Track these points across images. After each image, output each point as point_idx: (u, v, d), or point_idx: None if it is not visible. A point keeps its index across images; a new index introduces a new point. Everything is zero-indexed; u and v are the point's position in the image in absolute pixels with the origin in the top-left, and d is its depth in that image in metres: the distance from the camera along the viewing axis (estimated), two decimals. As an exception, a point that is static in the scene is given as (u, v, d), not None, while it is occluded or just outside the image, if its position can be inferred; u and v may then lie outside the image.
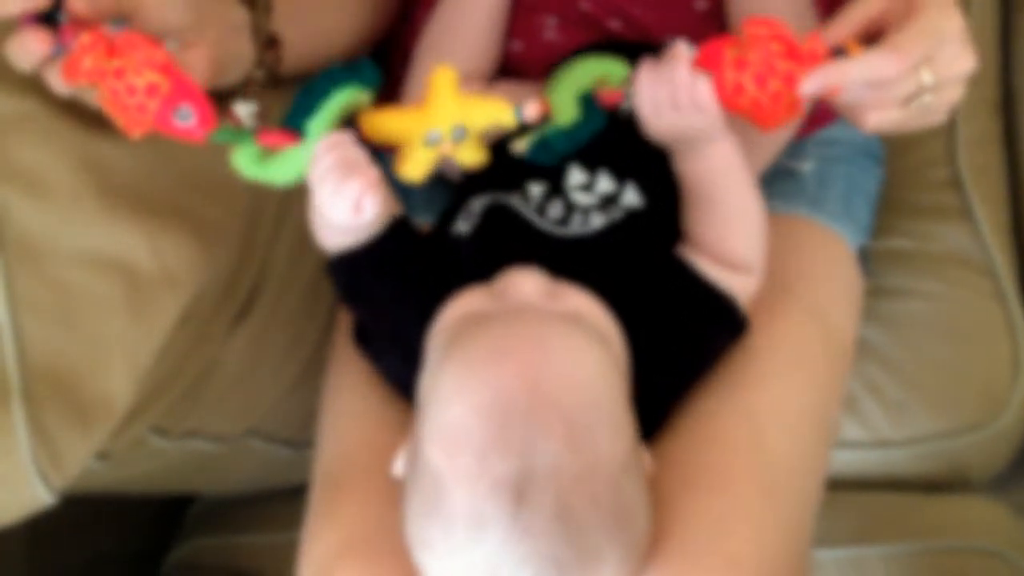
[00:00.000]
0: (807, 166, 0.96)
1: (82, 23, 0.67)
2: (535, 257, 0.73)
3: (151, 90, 0.67)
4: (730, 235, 0.77)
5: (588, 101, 0.75)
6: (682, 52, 0.71)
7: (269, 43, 0.81)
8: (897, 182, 1.13)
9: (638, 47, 0.87)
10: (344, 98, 0.71)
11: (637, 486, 0.67)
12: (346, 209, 0.68)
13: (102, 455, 0.83)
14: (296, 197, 0.95)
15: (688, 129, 0.73)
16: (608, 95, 0.75)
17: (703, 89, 0.71)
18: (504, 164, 0.78)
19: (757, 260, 0.78)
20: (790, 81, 0.70)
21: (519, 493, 0.61)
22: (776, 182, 0.93)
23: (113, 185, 0.74)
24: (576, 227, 0.77)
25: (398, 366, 0.78)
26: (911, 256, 1.12)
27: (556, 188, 0.79)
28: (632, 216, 0.77)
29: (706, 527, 0.70)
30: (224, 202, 0.83)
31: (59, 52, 0.67)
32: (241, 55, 0.80)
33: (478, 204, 0.79)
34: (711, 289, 0.76)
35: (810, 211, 0.93)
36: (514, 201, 0.78)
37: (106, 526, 1.22)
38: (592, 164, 0.79)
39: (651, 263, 0.77)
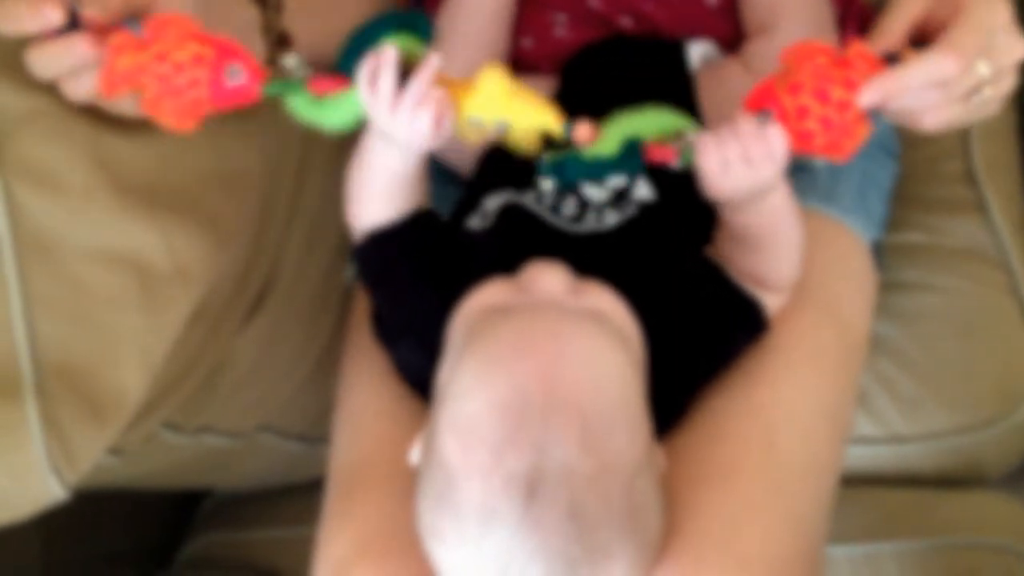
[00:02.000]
0: (820, 160, 0.95)
1: (98, 32, 0.67)
2: (552, 255, 0.72)
3: (197, 59, 0.67)
4: (772, 270, 0.76)
5: (633, 148, 0.72)
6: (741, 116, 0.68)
7: (280, 41, 0.82)
8: (911, 176, 1.12)
9: (649, 44, 0.87)
10: (399, 45, 0.68)
11: (650, 486, 0.66)
12: (428, 124, 0.67)
13: (115, 450, 0.83)
14: (307, 192, 0.96)
15: (757, 183, 0.70)
16: (658, 151, 0.71)
17: (773, 135, 0.67)
18: (515, 158, 0.78)
19: (792, 281, 0.78)
20: (852, 87, 0.67)
21: (531, 490, 0.61)
22: (789, 176, 0.93)
23: (126, 181, 0.74)
24: (591, 223, 0.76)
25: (414, 354, 0.78)
26: (925, 250, 1.12)
27: (568, 183, 0.78)
28: (646, 210, 0.77)
29: (717, 524, 0.70)
30: (236, 199, 0.83)
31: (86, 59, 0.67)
32: (253, 53, 0.80)
33: (492, 204, 0.79)
34: (741, 293, 0.76)
35: (823, 205, 0.92)
36: (528, 200, 0.78)
37: (119, 521, 1.22)
38: None
39: (679, 262, 0.76)
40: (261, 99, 0.69)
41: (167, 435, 0.91)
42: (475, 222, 0.79)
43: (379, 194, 0.75)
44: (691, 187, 0.80)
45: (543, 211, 0.77)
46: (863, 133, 0.68)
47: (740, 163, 0.68)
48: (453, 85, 0.69)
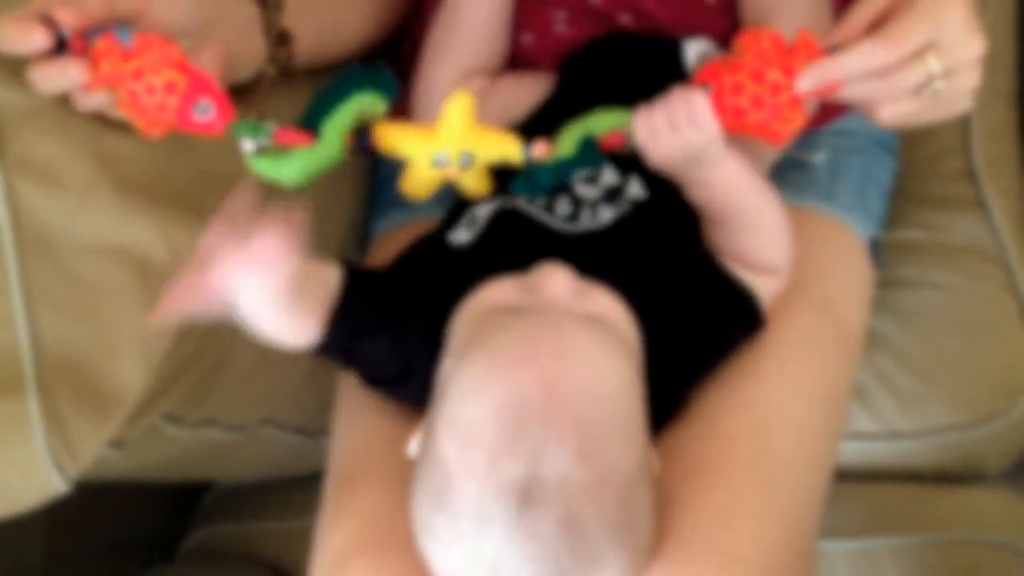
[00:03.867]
0: (820, 157, 0.95)
1: (85, 34, 0.69)
2: (551, 256, 0.72)
3: (169, 87, 0.69)
4: (754, 247, 0.77)
5: (588, 143, 0.76)
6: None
7: (281, 39, 0.82)
8: (911, 173, 1.12)
9: (648, 41, 0.87)
10: (359, 104, 0.72)
11: (644, 494, 0.66)
12: (257, 277, 0.65)
13: (116, 443, 0.83)
14: (308, 188, 0.96)
15: (688, 149, 0.72)
16: (609, 139, 0.75)
17: (698, 101, 0.70)
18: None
19: (783, 262, 0.78)
20: (787, 72, 0.70)
21: (525, 497, 0.61)
22: (788, 173, 0.93)
23: (127, 177, 0.74)
24: (586, 222, 0.76)
25: (415, 395, 0.75)
26: (924, 247, 1.12)
27: (561, 183, 0.79)
28: (639, 207, 0.77)
29: (708, 520, 0.70)
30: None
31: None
32: (253, 52, 0.80)
33: (484, 211, 0.79)
34: (735, 286, 0.76)
35: (821, 202, 0.93)
36: (520, 203, 0.78)
37: (123, 513, 1.23)
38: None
39: (673, 256, 0.77)
40: (224, 136, 0.72)
41: (168, 428, 0.92)
42: (461, 234, 0.78)
43: (285, 320, 0.71)
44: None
45: (537, 212, 0.77)
46: (798, 120, 0.71)
47: (666, 128, 0.71)
48: (418, 130, 0.73)
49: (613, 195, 0.78)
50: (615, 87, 0.81)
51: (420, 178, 0.74)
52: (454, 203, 0.83)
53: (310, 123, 0.73)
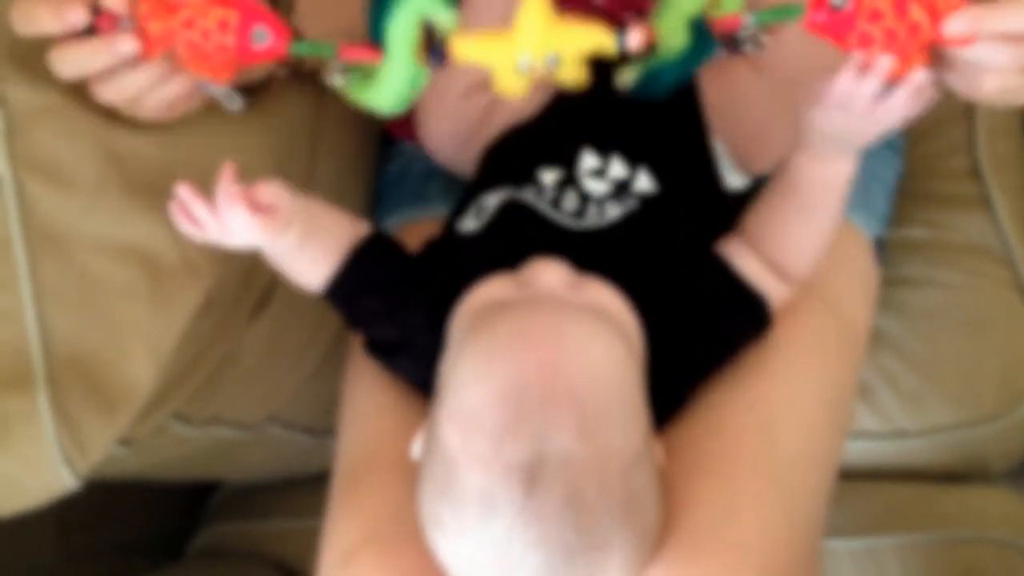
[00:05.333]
0: None
1: (112, 17, 0.67)
2: (554, 252, 0.73)
3: (223, 26, 0.67)
4: (805, 248, 0.76)
5: (699, 27, 0.68)
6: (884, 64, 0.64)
7: None
8: (916, 171, 1.12)
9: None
10: (418, 9, 0.67)
11: (648, 477, 0.67)
12: (245, 220, 0.71)
13: (125, 441, 0.84)
14: (315, 187, 0.97)
15: (852, 135, 0.69)
16: (725, 21, 0.67)
17: (897, 104, 0.65)
18: (514, 151, 0.79)
19: (801, 275, 0.78)
20: (933, 14, 0.63)
21: (531, 479, 0.62)
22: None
23: (135, 175, 0.75)
24: (592, 219, 0.77)
25: (412, 369, 0.79)
26: (929, 246, 1.12)
27: (569, 175, 0.79)
28: (647, 203, 0.78)
29: (713, 515, 0.70)
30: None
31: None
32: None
33: (492, 201, 0.79)
34: (747, 290, 0.76)
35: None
36: (528, 196, 0.78)
37: (132, 512, 1.23)
38: (605, 148, 0.79)
39: (681, 255, 0.77)
40: (290, 58, 0.70)
41: (177, 426, 0.92)
42: (469, 222, 0.79)
43: (304, 263, 0.77)
44: (694, 177, 0.81)
45: (544, 206, 0.77)
46: (917, 65, 0.64)
47: (865, 101, 0.65)
48: (496, 38, 0.68)
49: (621, 190, 0.78)
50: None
51: (510, 83, 0.69)
52: (462, 191, 0.84)
53: (374, 33, 0.69)
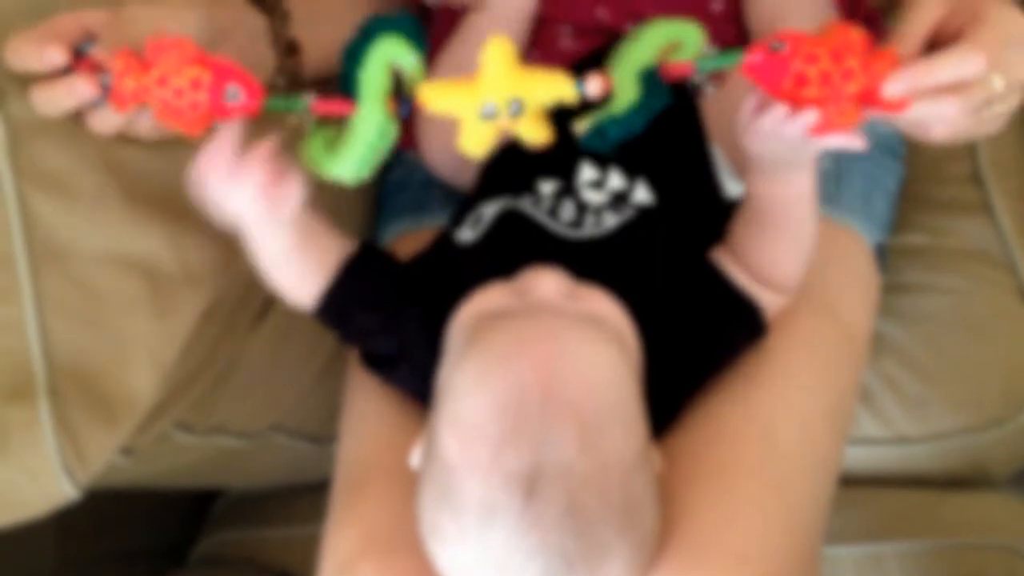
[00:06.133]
0: (823, 163, 0.96)
1: (96, 59, 0.69)
2: (552, 260, 0.73)
3: (195, 84, 0.68)
4: (782, 261, 0.77)
5: (651, 77, 0.70)
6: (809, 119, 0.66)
7: (289, 50, 0.83)
8: (917, 177, 1.12)
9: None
10: (388, 55, 0.68)
11: (646, 484, 0.67)
12: (254, 190, 0.68)
13: (127, 451, 0.84)
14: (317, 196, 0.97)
15: (792, 157, 0.70)
16: (675, 68, 0.69)
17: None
18: (514, 162, 0.79)
19: (792, 284, 0.78)
20: (866, 69, 0.65)
21: (530, 487, 0.62)
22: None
23: (137, 187, 0.75)
24: (589, 228, 0.77)
25: (409, 380, 0.79)
26: (930, 251, 1.11)
27: (567, 186, 0.79)
28: (644, 214, 0.78)
29: (713, 522, 0.71)
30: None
31: (106, 91, 0.70)
32: (262, 63, 0.81)
33: (489, 210, 0.80)
34: (740, 297, 0.77)
35: (826, 207, 0.92)
36: (525, 205, 0.79)
37: (134, 520, 1.24)
38: (603, 160, 0.80)
39: (679, 266, 0.77)
40: (262, 114, 0.70)
41: (179, 435, 0.92)
42: (466, 232, 0.80)
43: (291, 275, 0.75)
44: (691, 189, 0.81)
45: (541, 216, 0.78)
46: (852, 120, 0.67)
47: (782, 118, 0.66)
48: (460, 84, 0.68)
49: (619, 200, 0.78)
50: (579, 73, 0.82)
51: (474, 134, 0.69)
52: (461, 202, 0.84)
53: (344, 88, 0.70)
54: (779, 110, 0.66)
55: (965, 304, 1.10)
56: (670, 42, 0.70)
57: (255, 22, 0.81)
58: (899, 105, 0.66)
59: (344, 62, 0.70)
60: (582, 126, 0.73)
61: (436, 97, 0.69)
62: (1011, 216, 1.12)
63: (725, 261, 0.77)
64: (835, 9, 0.89)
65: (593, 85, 0.69)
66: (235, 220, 0.71)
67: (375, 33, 0.69)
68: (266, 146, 0.68)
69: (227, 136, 0.68)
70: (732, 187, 0.85)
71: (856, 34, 0.66)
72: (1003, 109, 0.70)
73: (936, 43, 0.68)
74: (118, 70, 0.69)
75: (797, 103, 0.66)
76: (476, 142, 0.70)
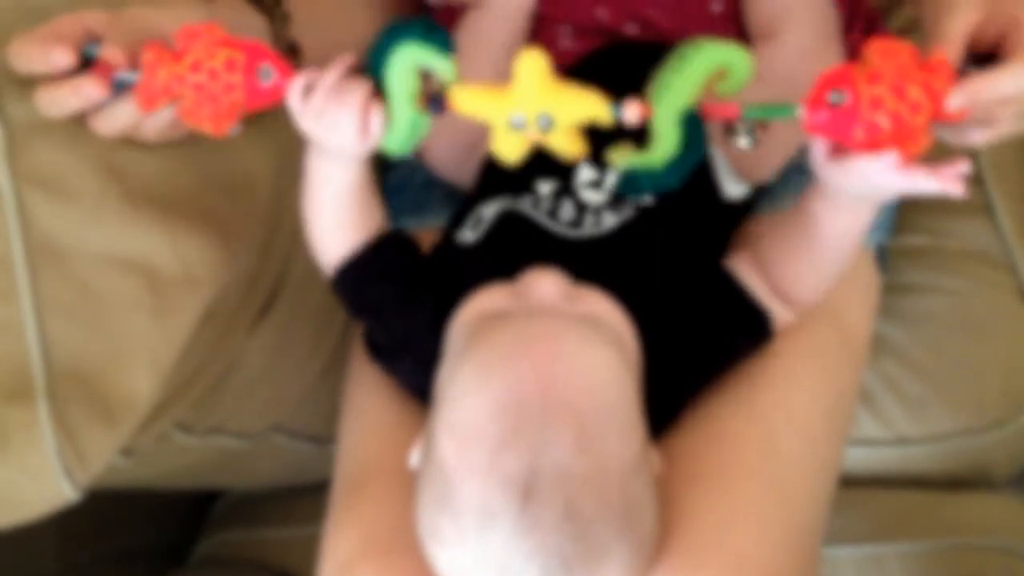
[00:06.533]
0: None
1: (108, 65, 0.69)
2: (551, 261, 0.73)
3: (230, 65, 0.68)
4: (811, 282, 0.76)
5: (693, 122, 0.67)
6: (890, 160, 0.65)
7: (290, 52, 0.83)
8: (918, 178, 1.12)
9: (650, 50, 0.87)
10: (415, 56, 0.68)
11: (645, 486, 0.67)
12: (352, 122, 0.67)
13: (127, 451, 0.84)
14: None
15: (870, 194, 0.69)
16: (719, 109, 0.67)
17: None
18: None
19: (804, 304, 0.78)
20: (930, 92, 0.64)
21: (527, 490, 0.62)
22: (793, 178, 0.93)
23: (136, 188, 0.75)
24: (589, 228, 0.77)
25: (411, 372, 0.79)
26: (931, 252, 1.12)
27: (566, 186, 0.79)
28: (643, 213, 0.78)
29: (712, 524, 0.71)
30: (245, 204, 0.84)
31: (116, 94, 0.70)
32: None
33: (489, 211, 0.80)
34: (754, 308, 0.76)
35: (826, 209, 0.93)
36: (525, 206, 0.79)
37: (134, 521, 1.24)
38: (602, 160, 0.80)
39: (679, 266, 0.77)
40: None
41: (179, 436, 0.92)
42: (467, 233, 0.80)
43: (332, 220, 0.75)
44: (690, 189, 0.81)
45: (540, 216, 0.78)
46: (925, 143, 0.65)
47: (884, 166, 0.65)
48: (491, 92, 0.68)
49: (618, 200, 0.78)
50: (619, 96, 0.82)
51: (505, 142, 0.69)
52: (461, 202, 0.84)
53: (373, 72, 0.69)
54: (880, 163, 0.64)
55: (965, 305, 1.10)
56: (718, 68, 0.67)
57: (256, 23, 0.81)
58: (958, 116, 0.66)
59: (370, 65, 0.69)
60: (617, 159, 0.71)
61: (468, 101, 0.68)
62: (1011, 217, 1.13)
63: (745, 268, 0.77)
64: (836, 8, 0.89)
65: (631, 112, 0.67)
66: (320, 142, 0.70)
67: (399, 37, 0.68)
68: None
69: (341, 62, 0.68)
70: (731, 187, 0.85)
71: (906, 53, 0.65)
72: None
73: (972, 47, 0.68)
74: (149, 62, 0.68)
75: (872, 146, 0.65)
76: (507, 149, 0.69)
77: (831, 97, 0.65)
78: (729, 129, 0.69)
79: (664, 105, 0.67)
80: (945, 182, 0.65)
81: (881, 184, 0.66)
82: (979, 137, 0.70)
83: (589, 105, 0.67)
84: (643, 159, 0.69)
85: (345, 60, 0.68)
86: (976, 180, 1.14)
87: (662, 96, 0.67)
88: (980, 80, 0.66)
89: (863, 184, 0.67)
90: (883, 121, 0.64)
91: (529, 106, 0.67)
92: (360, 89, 0.67)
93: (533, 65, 0.66)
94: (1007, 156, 1.15)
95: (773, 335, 0.78)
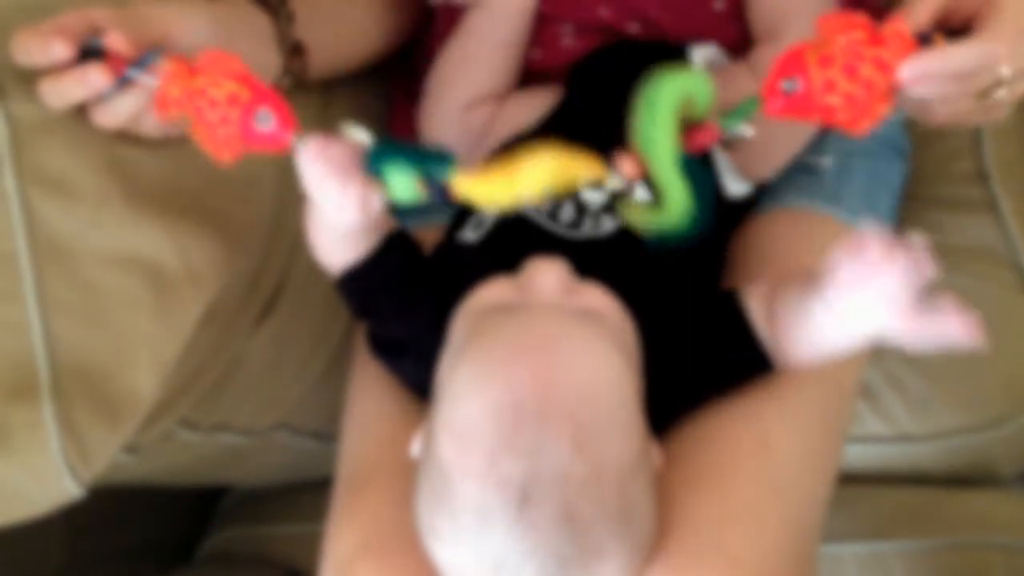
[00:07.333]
0: (826, 161, 0.95)
1: (122, 57, 0.69)
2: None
3: (232, 100, 0.68)
4: (806, 356, 0.75)
5: (692, 165, 0.68)
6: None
7: (294, 51, 0.83)
8: (922, 175, 1.12)
9: (653, 48, 0.88)
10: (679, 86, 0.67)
11: (644, 485, 0.67)
12: (355, 208, 0.68)
13: (131, 448, 0.85)
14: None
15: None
16: (699, 138, 0.68)
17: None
18: None
19: (799, 367, 0.77)
20: (882, 67, 0.64)
21: (525, 493, 0.62)
22: (795, 177, 0.93)
23: (139, 187, 0.75)
24: (588, 229, 0.77)
25: (413, 371, 0.79)
26: (935, 249, 1.11)
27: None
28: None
29: (708, 525, 0.70)
30: (248, 202, 0.85)
31: (120, 85, 0.70)
32: (268, 65, 0.82)
33: (490, 212, 0.80)
34: (757, 348, 0.75)
35: (828, 206, 0.92)
36: (524, 208, 0.79)
37: (141, 518, 1.24)
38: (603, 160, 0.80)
39: (680, 265, 0.77)
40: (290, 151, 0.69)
41: (183, 433, 0.93)
42: (468, 233, 0.80)
43: (336, 244, 0.75)
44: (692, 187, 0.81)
45: (540, 217, 0.78)
46: (883, 112, 0.66)
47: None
48: (493, 176, 0.68)
49: (617, 200, 0.78)
50: (621, 95, 0.82)
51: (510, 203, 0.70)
52: (458, 208, 0.85)
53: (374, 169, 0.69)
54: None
55: (969, 302, 1.08)
56: (684, 99, 0.67)
57: (260, 23, 0.81)
58: (914, 82, 0.66)
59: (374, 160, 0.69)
60: (635, 221, 0.71)
61: (470, 190, 0.69)
62: (1016, 214, 1.12)
63: (757, 309, 0.75)
64: (838, 5, 0.89)
65: (627, 168, 0.68)
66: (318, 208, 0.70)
67: (392, 155, 0.68)
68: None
69: (350, 144, 0.68)
70: (734, 186, 0.85)
71: (858, 27, 0.65)
72: (1006, 96, 0.69)
73: (946, 24, 0.68)
74: (167, 73, 0.69)
75: (826, 122, 0.67)
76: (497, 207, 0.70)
77: (784, 86, 0.66)
78: (721, 141, 0.70)
79: (656, 159, 0.68)
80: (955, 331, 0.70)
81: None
82: (937, 114, 0.70)
83: (590, 174, 0.68)
84: (661, 219, 0.69)
85: (361, 139, 0.68)
86: (981, 177, 1.13)
87: (650, 151, 0.68)
88: (936, 53, 0.65)
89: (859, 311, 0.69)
90: (836, 102, 0.65)
91: (534, 191, 0.68)
92: (364, 182, 0.67)
93: (545, 168, 0.67)
94: (1012, 153, 1.15)
95: (770, 371, 0.77)
